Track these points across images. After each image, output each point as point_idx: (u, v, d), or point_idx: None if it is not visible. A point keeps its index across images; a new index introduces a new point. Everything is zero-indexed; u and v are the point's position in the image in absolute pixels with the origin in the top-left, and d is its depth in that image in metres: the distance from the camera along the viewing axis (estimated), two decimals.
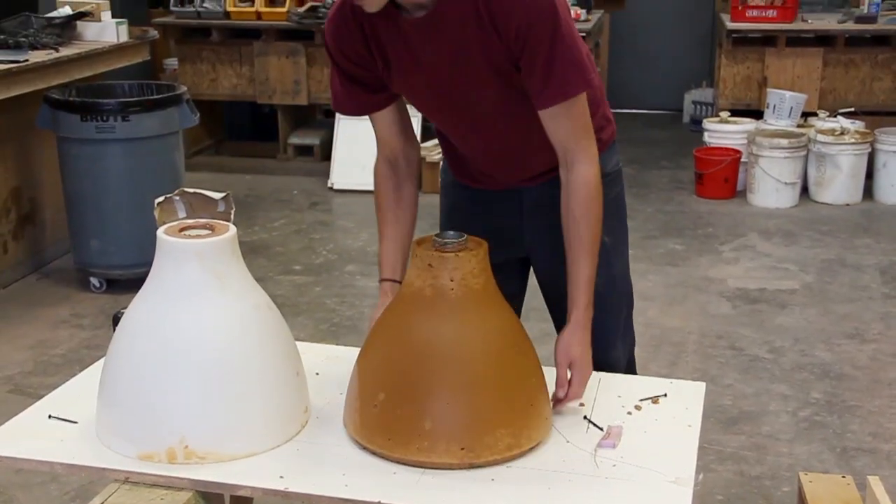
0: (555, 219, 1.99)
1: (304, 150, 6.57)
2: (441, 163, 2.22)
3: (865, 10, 5.92)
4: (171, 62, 6.86)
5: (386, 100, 1.94)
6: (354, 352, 1.80)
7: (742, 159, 5.70)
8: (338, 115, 6.10)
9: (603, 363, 2.10)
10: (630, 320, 2.27)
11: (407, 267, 2.04)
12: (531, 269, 2.24)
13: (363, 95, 1.93)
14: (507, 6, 1.71)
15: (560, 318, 2.16)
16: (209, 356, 1.57)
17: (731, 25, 6.03)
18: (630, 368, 2.26)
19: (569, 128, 1.82)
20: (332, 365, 1.96)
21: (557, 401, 1.80)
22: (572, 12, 5.93)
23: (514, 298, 2.21)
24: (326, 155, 6.22)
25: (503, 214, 2.12)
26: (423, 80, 1.86)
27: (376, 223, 2.04)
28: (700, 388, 1.95)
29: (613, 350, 2.19)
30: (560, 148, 1.84)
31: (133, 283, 4.12)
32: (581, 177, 1.83)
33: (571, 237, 1.86)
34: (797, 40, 6.03)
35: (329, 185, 5.93)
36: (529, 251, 2.17)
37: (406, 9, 1.77)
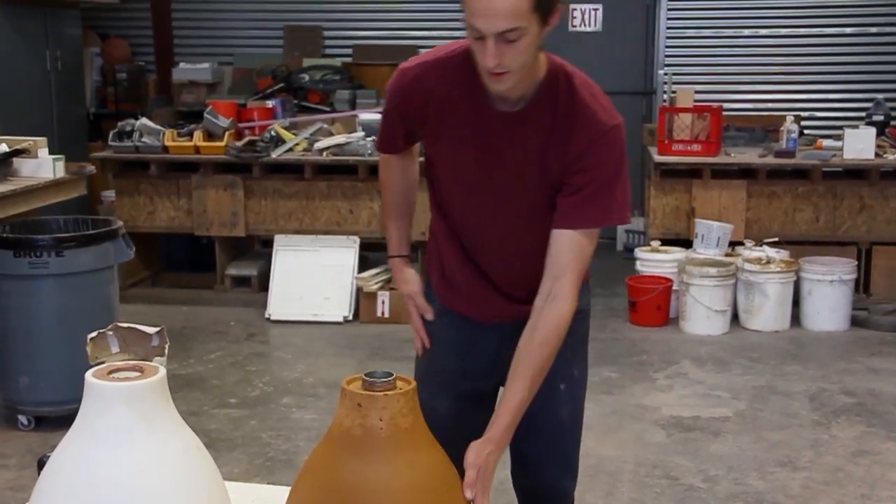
0: None
1: (242, 282, 6.57)
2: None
3: (784, 146, 6.19)
4: (109, 194, 6.87)
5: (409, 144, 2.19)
6: (284, 491, 1.78)
7: (674, 287, 5.84)
8: (275, 247, 6.15)
9: (559, 490, 2.16)
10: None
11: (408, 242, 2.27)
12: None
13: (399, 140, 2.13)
14: (583, 121, 1.84)
15: (521, 445, 2.17)
16: (135, 503, 1.56)
17: (658, 158, 6.25)
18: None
19: (575, 256, 1.89)
20: None
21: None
22: None
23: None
24: (264, 286, 6.23)
25: (486, 344, 2.17)
26: (474, 155, 1.95)
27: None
28: None
29: (570, 480, 2.24)
30: (554, 273, 1.89)
31: (63, 421, 4.05)
32: (557, 310, 1.90)
33: (522, 360, 1.91)
34: (722, 173, 6.26)
35: (266, 316, 5.92)
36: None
37: (496, 99, 1.88)
